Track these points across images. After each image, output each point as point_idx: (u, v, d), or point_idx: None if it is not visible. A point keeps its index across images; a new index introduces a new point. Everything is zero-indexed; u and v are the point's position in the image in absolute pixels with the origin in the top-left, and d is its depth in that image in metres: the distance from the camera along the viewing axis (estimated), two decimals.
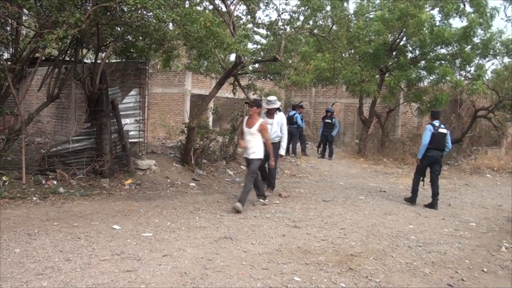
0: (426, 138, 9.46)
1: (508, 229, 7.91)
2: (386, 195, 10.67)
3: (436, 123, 9.53)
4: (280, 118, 9.71)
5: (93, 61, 9.92)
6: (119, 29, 9.43)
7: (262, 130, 8.33)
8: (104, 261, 5.06)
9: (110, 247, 5.54)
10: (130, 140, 10.57)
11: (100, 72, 9.41)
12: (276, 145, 9.44)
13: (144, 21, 8.27)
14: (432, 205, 9.47)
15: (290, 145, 16.26)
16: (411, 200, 9.69)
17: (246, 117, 8.67)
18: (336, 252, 5.94)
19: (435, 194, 9.51)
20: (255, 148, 8.34)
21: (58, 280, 4.50)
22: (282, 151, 9.69)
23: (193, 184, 10.22)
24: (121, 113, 10.27)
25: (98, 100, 9.73)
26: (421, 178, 9.72)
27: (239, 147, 8.89)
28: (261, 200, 8.76)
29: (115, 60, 11.67)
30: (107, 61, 10.03)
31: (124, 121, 10.36)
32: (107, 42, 9.87)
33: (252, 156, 8.34)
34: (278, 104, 9.83)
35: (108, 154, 9.70)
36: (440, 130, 9.45)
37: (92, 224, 6.57)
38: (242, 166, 12.58)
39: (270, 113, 9.71)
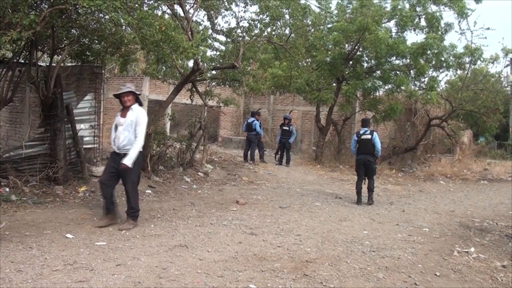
0: (352, 145, 11.12)
1: (460, 234, 8.14)
2: (341, 201, 10.83)
3: (362, 130, 10.71)
4: (136, 116, 6.90)
5: (48, 64, 9.70)
6: (74, 31, 9.25)
7: None
8: (56, 271, 4.94)
9: (62, 257, 5.41)
10: (84, 146, 10.35)
11: (55, 76, 9.16)
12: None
13: (100, 24, 8.14)
14: (369, 199, 10.70)
15: (249, 152, 16.34)
16: (357, 201, 10.63)
17: None
18: (291, 258, 5.97)
19: (370, 190, 10.72)
20: None
21: None
22: (127, 161, 6.76)
23: (149, 191, 10.08)
24: (76, 118, 10.04)
25: (53, 104, 9.49)
26: (362, 179, 10.79)
27: None
28: None
29: (70, 64, 11.43)
30: (62, 64, 9.81)
31: (79, 126, 10.13)
32: (63, 45, 9.67)
33: None
34: (131, 89, 7.05)
35: (62, 160, 9.46)
36: (363, 137, 10.64)
37: (44, 233, 6.40)
38: (199, 173, 12.53)
39: (125, 109, 7.04)
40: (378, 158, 11.04)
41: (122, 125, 6.91)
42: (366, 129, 10.71)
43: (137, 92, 7.09)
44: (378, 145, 10.61)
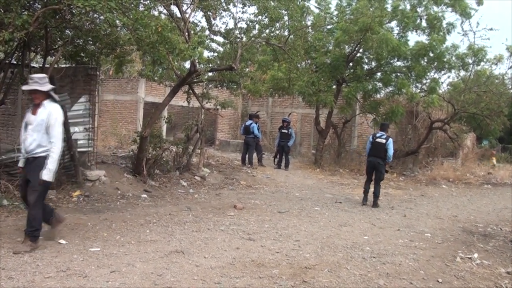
0: (366, 146, 11.31)
1: (463, 240, 8.01)
2: (341, 206, 10.68)
3: (378, 134, 10.95)
4: (48, 115, 5.76)
5: (41, 65, 9.58)
6: (68, 32, 9.13)
7: None
8: (48, 278, 4.81)
9: (55, 263, 5.27)
10: (78, 150, 10.16)
11: (48, 77, 9.04)
12: (39, 162, 5.73)
13: (94, 24, 8.01)
14: (373, 204, 10.81)
15: (247, 156, 16.19)
16: (362, 200, 10.97)
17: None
18: (290, 264, 5.85)
19: (375, 195, 10.84)
20: None
21: None
22: (46, 174, 5.63)
23: (145, 195, 9.95)
24: (69, 121, 9.87)
25: None
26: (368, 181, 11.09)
27: None
28: None
29: (64, 65, 11.30)
30: (56, 65, 9.69)
31: (72, 129, 9.95)
32: (56, 46, 9.54)
33: None
34: (44, 86, 5.83)
35: None
36: (378, 140, 10.85)
37: None
38: (196, 177, 12.39)
39: (35, 106, 5.87)
40: (387, 163, 11.17)
41: (32, 124, 5.77)
42: (383, 133, 10.95)
43: (43, 89, 5.81)
44: (391, 151, 10.79)
